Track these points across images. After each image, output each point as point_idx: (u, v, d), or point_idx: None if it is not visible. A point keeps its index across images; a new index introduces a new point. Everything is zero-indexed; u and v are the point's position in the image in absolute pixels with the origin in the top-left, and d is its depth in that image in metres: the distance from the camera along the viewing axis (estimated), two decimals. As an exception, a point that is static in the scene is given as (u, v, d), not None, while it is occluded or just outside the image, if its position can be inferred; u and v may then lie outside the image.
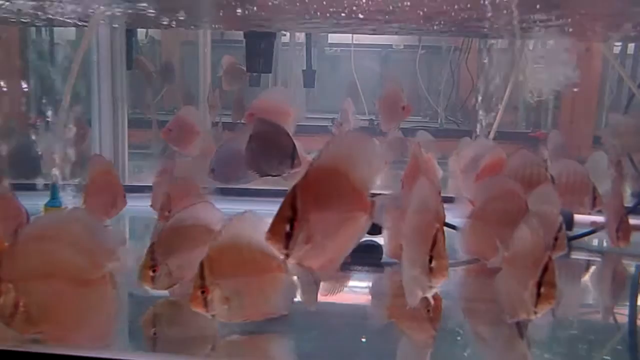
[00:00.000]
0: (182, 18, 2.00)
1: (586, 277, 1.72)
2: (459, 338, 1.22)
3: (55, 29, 3.47)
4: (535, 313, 1.09)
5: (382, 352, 1.16)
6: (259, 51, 2.62)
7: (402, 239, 1.17)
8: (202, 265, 1.01)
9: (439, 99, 4.87)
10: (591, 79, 3.85)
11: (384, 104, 2.32)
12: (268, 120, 1.67)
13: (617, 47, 3.85)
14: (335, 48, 5.07)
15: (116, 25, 2.28)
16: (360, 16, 1.74)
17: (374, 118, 4.69)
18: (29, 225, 0.92)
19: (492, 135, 2.40)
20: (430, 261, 1.05)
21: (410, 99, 5.20)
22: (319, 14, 1.71)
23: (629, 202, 2.07)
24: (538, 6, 1.55)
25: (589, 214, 1.82)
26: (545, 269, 1.07)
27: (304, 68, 3.90)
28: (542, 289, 1.07)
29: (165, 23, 2.20)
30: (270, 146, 1.61)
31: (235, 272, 1.03)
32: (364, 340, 1.19)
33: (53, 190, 1.96)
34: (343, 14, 1.71)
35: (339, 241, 1.06)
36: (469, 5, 1.54)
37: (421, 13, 1.67)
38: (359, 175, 1.06)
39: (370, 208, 1.09)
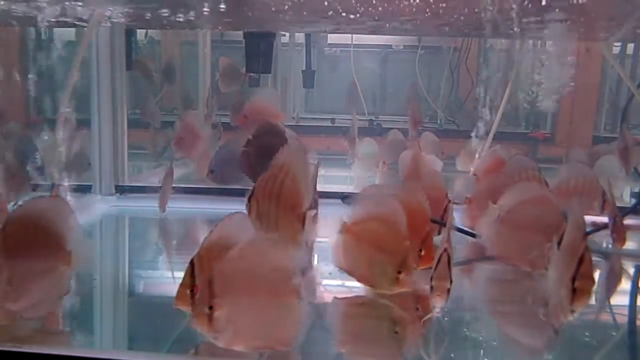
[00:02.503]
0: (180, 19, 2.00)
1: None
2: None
3: (54, 29, 3.46)
4: (572, 311, 1.00)
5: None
6: (259, 51, 2.62)
7: None
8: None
9: (438, 100, 4.87)
10: (591, 79, 3.85)
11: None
12: (271, 124, 1.67)
13: (617, 47, 3.85)
14: (335, 48, 5.07)
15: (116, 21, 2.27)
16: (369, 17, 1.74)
17: (373, 118, 4.71)
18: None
19: (491, 135, 2.40)
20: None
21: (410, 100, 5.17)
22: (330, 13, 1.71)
23: (628, 202, 2.08)
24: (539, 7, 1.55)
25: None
26: (581, 261, 0.99)
27: (304, 68, 3.91)
28: (577, 283, 0.99)
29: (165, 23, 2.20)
30: (267, 151, 1.53)
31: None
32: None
33: (52, 190, 1.96)
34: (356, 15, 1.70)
35: None
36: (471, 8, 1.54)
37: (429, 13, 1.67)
38: None
39: None
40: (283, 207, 1.26)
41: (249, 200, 1.28)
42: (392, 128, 2.70)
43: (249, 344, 0.95)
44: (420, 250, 1.36)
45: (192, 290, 0.98)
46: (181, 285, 1.01)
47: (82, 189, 2.23)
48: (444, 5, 1.53)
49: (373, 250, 1.24)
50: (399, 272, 1.19)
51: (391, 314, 1.26)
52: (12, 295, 1.03)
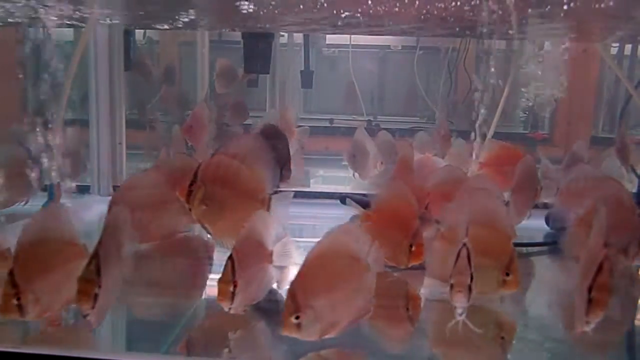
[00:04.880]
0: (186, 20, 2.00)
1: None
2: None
3: (53, 29, 3.45)
4: (588, 323, 0.95)
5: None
6: (257, 52, 2.62)
7: None
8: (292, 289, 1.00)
9: (436, 100, 4.87)
10: (588, 79, 3.85)
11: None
12: (275, 127, 1.69)
13: (614, 47, 3.86)
14: (333, 49, 5.07)
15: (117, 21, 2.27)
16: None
17: (371, 119, 4.71)
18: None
19: (489, 135, 2.40)
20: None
21: (408, 100, 5.21)
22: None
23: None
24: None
25: None
26: (600, 270, 0.94)
27: (302, 69, 3.90)
28: (593, 293, 0.93)
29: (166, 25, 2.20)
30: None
31: (328, 289, 1.02)
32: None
33: (50, 191, 1.96)
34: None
35: None
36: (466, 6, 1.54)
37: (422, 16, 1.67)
38: None
39: None
40: (242, 194, 1.31)
41: (190, 186, 1.30)
42: (391, 128, 2.70)
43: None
44: (411, 247, 1.38)
45: (234, 286, 1.04)
46: (222, 281, 1.04)
47: (81, 190, 2.23)
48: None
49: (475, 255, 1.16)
50: (507, 275, 1.15)
51: (497, 319, 1.24)
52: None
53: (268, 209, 1.33)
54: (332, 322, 1.02)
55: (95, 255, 1.00)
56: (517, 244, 1.60)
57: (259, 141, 1.41)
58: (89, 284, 0.98)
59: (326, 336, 1.02)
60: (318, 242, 1.03)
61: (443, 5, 1.49)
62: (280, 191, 1.43)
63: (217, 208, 1.32)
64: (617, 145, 2.21)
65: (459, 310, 1.02)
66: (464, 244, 1.02)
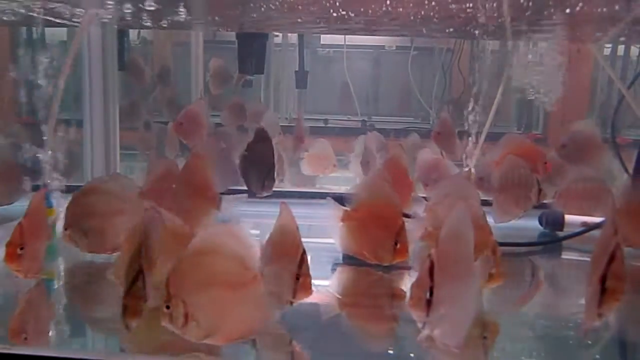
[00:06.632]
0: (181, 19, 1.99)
1: (578, 277, 1.72)
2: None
3: (47, 29, 3.44)
4: (600, 315, 0.91)
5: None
6: (252, 52, 2.62)
7: None
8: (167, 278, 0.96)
9: (431, 100, 4.89)
10: (582, 80, 3.87)
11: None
12: (265, 134, 1.70)
13: (608, 48, 3.88)
14: (328, 49, 5.08)
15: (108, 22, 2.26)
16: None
17: (366, 119, 4.72)
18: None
19: (483, 135, 2.41)
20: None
21: (402, 100, 5.22)
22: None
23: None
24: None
25: None
26: (612, 258, 0.90)
27: (297, 69, 3.90)
28: (607, 283, 0.89)
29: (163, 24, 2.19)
30: (254, 161, 1.67)
31: (202, 286, 0.97)
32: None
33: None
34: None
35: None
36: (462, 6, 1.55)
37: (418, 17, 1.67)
38: None
39: None
40: (191, 190, 1.38)
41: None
42: (385, 128, 2.71)
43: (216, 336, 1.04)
44: (396, 244, 1.39)
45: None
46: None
47: (74, 190, 2.21)
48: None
49: None
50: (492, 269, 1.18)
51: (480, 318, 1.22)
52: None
53: (218, 207, 1.38)
54: (213, 326, 0.97)
55: (140, 270, 1.00)
56: (508, 244, 1.64)
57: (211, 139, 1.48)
58: (137, 301, 1.00)
59: (208, 341, 0.98)
60: (198, 235, 1.01)
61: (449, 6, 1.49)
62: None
63: (166, 203, 1.34)
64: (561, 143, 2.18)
65: (419, 324, 0.95)
66: (429, 256, 0.94)
